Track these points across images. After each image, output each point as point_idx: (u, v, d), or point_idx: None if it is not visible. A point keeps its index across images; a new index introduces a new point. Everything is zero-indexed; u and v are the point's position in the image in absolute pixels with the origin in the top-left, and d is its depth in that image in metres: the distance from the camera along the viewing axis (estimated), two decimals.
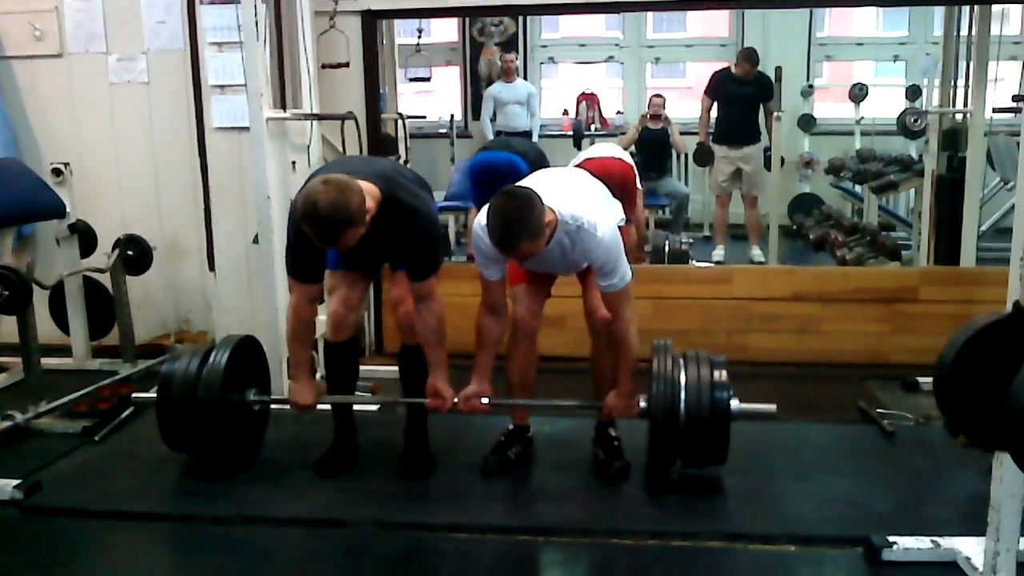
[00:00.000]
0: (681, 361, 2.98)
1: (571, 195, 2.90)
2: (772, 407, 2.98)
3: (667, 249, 5.66)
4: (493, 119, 7.94)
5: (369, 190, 2.74)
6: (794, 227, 7.15)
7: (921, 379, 4.01)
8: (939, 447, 3.36)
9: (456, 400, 3.04)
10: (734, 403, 2.91)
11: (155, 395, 3.13)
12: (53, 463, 3.30)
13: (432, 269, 2.94)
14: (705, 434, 2.89)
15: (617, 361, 3.01)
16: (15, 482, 3.02)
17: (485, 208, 2.76)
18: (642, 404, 2.98)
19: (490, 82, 8.56)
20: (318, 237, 2.66)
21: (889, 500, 2.96)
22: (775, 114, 6.27)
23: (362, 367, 3.44)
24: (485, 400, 3.06)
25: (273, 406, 3.35)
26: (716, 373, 2.94)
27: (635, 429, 3.12)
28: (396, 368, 3.32)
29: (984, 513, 2.36)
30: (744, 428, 2.97)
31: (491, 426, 3.32)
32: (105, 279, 4.42)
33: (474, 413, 3.06)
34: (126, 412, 3.68)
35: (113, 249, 4.36)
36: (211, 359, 3.08)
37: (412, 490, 3.06)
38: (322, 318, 3.27)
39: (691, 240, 6.28)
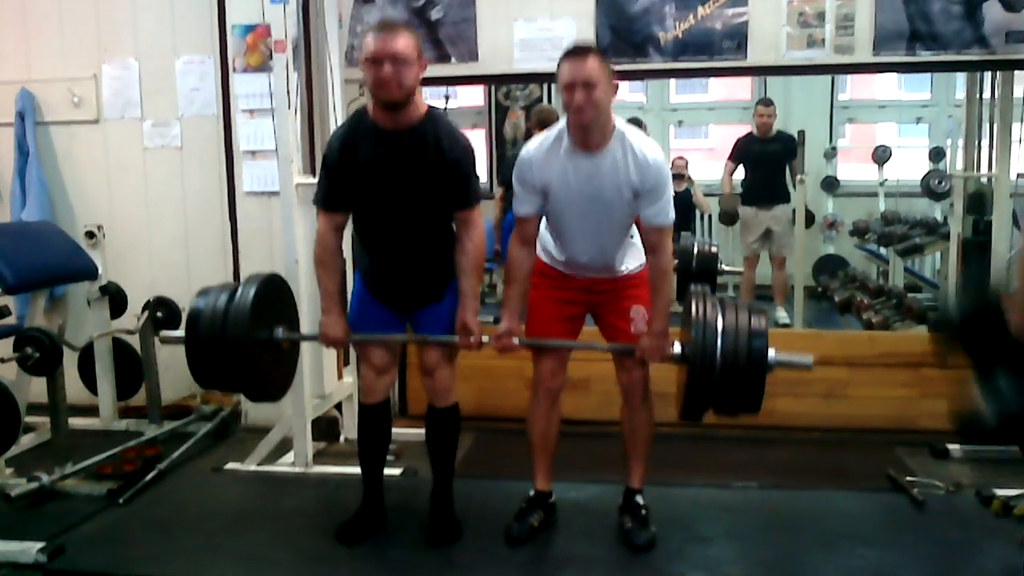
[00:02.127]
0: (719, 306, 2.86)
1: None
2: (809, 358, 2.90)
3: (696, 252, 5.15)
4: None
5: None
6: (819, 289, 7.11)
7: (951, 446, 3.96)
8: (971, 517, 3.30)
9: (486, 339, 3.01)
10: (771, 352, 2.80)
11: (183, 334, 3.04)
12: (77, 526, 3.30)
13: (474, 197, 2.98)
14: (741, 382, 2.79)
15: (654, 298, 2.96)
16: (39, 545, 3.02)
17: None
18: (676, 349, 2.92)
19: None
20: (381, 29, 2.81)
21: (920, 572, 2.91)
22: (799, 176, 6.28)
23: None
24: (516, 340, 3.01)
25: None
26: (754, 320, 2.82)
27: (663, 497, 3.09)
28: (421, 431, 3.30)
29: None
30: (771, 496, 2.93)
31: (514, 492, 3.29)
32: (134, 340, 4.48)
33: (505, 351, 3.01)
34: (151, 474, 3.69)
35: (143, 311, 4.41)
36: (238, 295, 2.99)
37: (437, 558, 3.02)
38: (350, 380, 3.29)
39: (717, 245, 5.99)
